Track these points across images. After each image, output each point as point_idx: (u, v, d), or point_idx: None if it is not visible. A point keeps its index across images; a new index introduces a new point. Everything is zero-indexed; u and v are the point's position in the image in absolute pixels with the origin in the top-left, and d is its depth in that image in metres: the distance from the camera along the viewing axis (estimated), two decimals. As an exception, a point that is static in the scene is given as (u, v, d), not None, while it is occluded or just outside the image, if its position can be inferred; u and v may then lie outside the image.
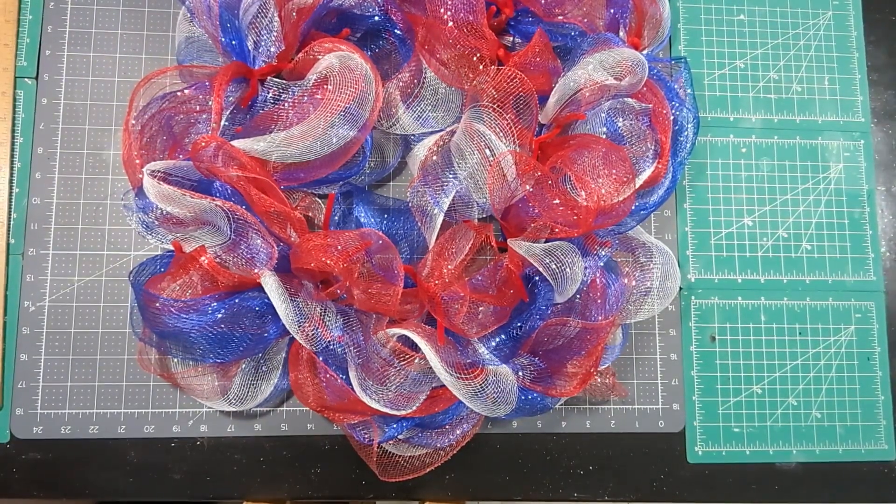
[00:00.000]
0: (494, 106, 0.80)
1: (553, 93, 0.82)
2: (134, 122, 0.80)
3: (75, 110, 0.88)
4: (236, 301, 0.76)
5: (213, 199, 0.74)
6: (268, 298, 0.76)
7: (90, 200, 0.87)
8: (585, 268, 0.80)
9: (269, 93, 0.81)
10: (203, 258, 0.76)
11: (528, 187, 0.78)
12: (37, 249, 0.85)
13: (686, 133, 0.85)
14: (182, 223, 0.80)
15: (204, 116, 0.81)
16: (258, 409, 0.85)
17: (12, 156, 0.86)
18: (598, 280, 0.81)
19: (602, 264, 0.81)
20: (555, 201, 0.78)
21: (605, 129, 0.82)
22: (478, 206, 0.83)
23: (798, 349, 0.92)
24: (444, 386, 0.77)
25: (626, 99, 0.83)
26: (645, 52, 0.87)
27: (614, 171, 0.78)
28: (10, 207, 0.86)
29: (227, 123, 0.82)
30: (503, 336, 0.80)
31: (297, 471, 0.86)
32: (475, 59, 0.83)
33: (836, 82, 0.98)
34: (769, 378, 0.91)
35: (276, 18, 0.81)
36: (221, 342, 0.76)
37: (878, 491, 0.91)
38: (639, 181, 0.82)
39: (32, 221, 0.86)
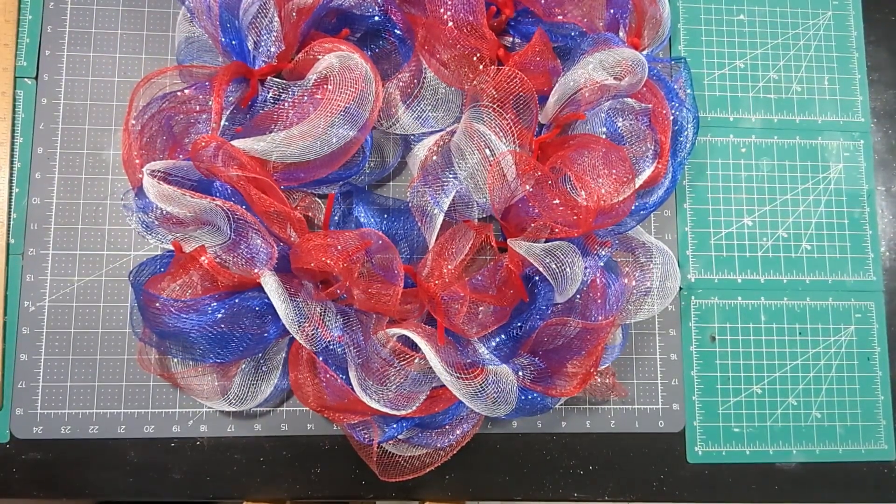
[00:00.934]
0: (494, 106, 0.80)
1: (553, 93, 0.82)
2: (134, 122, 0.80)
3: (75, 110, 0.88)
4: (236, 301, 0.76)
5: (213, 199, 0.74)
6: (268, 298, 0.76)
7: (90, 200, 0.87)
8: (585, 268, 0.80)
9: (269, 93, 0.81)
10: (203, 258, 0.76)
11: (528, 187, 0.78)
12: (37, 249, 0.85)
13: (686, 133, 0.85)
14: (182, 223, 0.80)
15: (204, 116, 0.81)
16: (258, 409, 0.86)
17: (12, 156, 0.86)
18: (598, 280, 0.81)
19: (602, 264, 0.81)
20: (555, 201, 0.78)
21: (604, 129, 0.82)
22: (478, 206, 0.83)
23: (798, 349, 0.92)
24: (444, 386, 0.77)
25: (625, 99, 0.83)
26: (645, 52, 0.87)
27: (614, 171, 0.78)
28: (10, 207, 0.86)
29: (227, 123, 0.82)
30: (503, 336, 0.80)
31: (297, 471, 0.86)
32: (475, 59, 0.83)
33: (836, 82, 0.98)
34: (769, 378, 0.91)
35: (276, 18, 0.81)
36: (221, 342, 0.76)
37: (878, 491, 0.91)
38: (639, 181, 0.82)
39: (32, 221, 0.86)
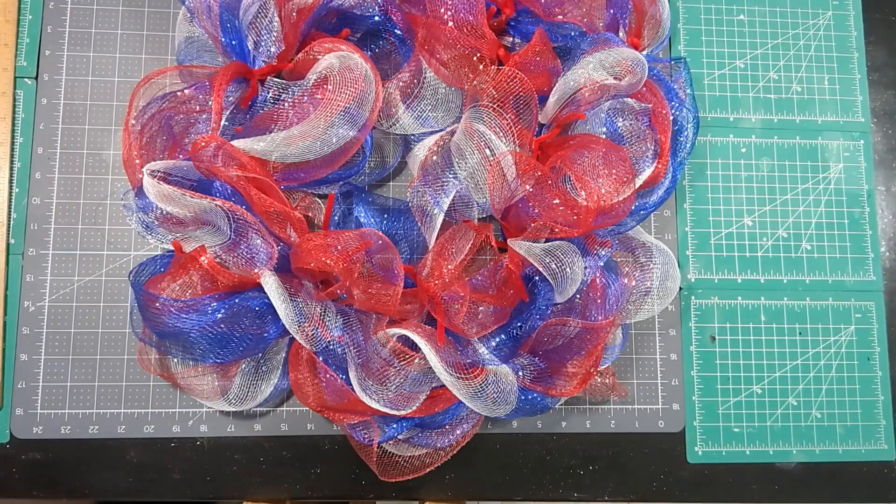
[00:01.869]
0: (494, 106, 0.80)
1: (553, 92, 0.82)
2: (134, 121, 0.80)
3: (75, 110, 0.88)
4: (236, 301, 0.76)
5: (213, 199, 0.74)
6: (268, 298, 0.76)
7: (90, 200, 0.87)
8: (585, 268, 0.80)
9: (269, 93, 0.81)
10: (203, 258, 0.76)
11: (528, 187, 0.78)
12: (37, 249, 0.85)
13: (686, 133, 0.85)
14: (182, 223, 0.80)
15: (204, 116, 0.81)
16: (258, 409, 0.85)
17: (12, 156, 0.86)
18: (597, 280, 0.81)
19: (602, 264, 0.81)
20: (555, 201, 0.78)
21: (604, 129, 0.82)
22: (478, 206, 0.83)
23: (798, 349, 0.92)
24: (443, 386, 0.77)
25: (625, 99, 0.83)
26: (645, 52, 0.87)
27: (614, 171, 0.78)
28: (10, 207, 0.86)
29: (226, 123, 0.82)
30: (503, 336, 0.80)
31: (297, 471, 0.86)
32: (475, 59, 0.83)
33: (836, 82, 0.98)
34: (769, 378, 0.91)
35: (277, 18, 0.82)
36: (221, 342, 0.76)
37: (878, 491, 0.91)
38: (638, 181, 0.82)
39: (32, 221, 0.86)
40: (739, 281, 0.93)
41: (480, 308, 0.79)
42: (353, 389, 0.77)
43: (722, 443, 0.90)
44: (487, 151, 0.79)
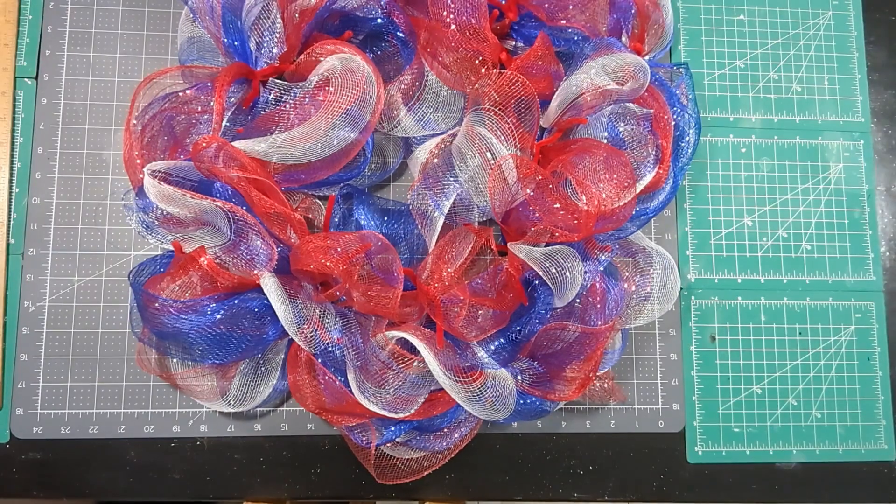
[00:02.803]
0: (496, 109, 0.80)
1: (555, 97, 0.82)
2: (135, 121, 0.80)
3: (75, 110, 0.88)
4: (235, 302, 0.76)
5: (214, 200, 0.74)
6: (267, 300, 0.76)
7: (90, 200, 0.87)
8: (585, 272, 0.80)
9: (270, 94, 0.81)
10: (203, 259, 0.76)
11: (528, 191, 0.78)
12: (37, 249, 0.85)
13: (687, 138, 0.85)
14: (182, 223, 0.80)
15: (205, 117, 0.81)
16: (258, 409, 0.86)
17: (12, 156, 0.86)
18: (597, 284, 0.81)
19: (602, 269, 0.81)
20: (555, 205, 0.78)
21: (606, 134, 0.82)
22: (478, 209, 0.83)
23: (798, 349, 0.92)
24: (442, 389, 0.77)
25: (627, 104, 0.83)
26: (647, 57, 0.87)
27: (615, 175, 0.78)
28: (10, 207, 0.86)
29: (228, 124, 0.82)
30: (502, 340, 0.80)
31: (297, 471, 0.86)
32: (477, 62, 0.83)
33: (836, 82, 0.98)
34: (769, 378, 0.91)
35: (279, 20, 0.82)
36: (220, 343, 0.76)
37: (878, 491, 0.92)
38: (639, 186, 0.82)
39: (32, 221, 0.86)
40: (739, 281, 0.93)
41: (480, 311, 0.79)
42: (351, 392, 0.77)
43: (722, 443, 0.90)
44: (488, 155, 0.79)
